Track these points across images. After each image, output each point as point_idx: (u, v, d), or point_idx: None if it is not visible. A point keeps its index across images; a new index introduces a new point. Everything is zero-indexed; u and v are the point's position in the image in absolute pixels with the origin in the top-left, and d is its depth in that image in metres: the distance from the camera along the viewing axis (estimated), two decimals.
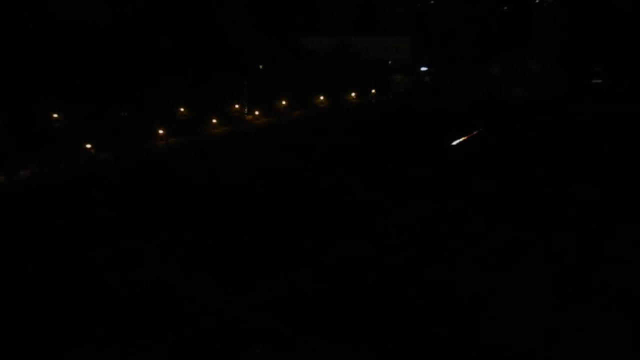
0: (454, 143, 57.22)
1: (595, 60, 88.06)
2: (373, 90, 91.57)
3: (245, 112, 71.80)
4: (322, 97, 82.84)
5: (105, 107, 53.21)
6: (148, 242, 32.77)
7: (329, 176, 45.75)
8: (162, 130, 57.70)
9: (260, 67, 75.77)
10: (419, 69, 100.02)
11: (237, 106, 71.04)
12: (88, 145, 50.36)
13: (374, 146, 57.24)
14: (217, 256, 31.00)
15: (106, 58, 54.63)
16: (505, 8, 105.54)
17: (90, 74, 52.73)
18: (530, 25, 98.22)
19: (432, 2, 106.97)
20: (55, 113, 52.67)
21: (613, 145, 53.90)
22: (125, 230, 34.63)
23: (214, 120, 65.34)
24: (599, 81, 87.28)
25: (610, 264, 29.33)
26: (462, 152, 55.07)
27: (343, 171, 47.41)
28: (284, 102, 76.82)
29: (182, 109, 63.08)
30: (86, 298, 26.43)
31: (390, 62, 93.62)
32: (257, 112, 72.55)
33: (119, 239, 33.08)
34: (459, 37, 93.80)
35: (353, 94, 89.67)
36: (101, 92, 52.51)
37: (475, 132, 61.89)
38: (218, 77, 64.07)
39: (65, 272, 29.14)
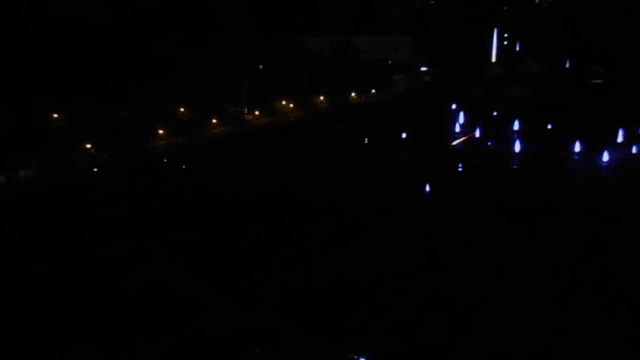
0: (454, 143, 57.29)
1: (595, 60, 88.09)
2: (373, 91, 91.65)
3: (245, 112, 71.84)
4: (322, 97, 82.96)
5: (106, 107, 53.20)
6: (148, 242, 32.77)
7: (327, 175, 45.73)
8: (162, 130, 57.78)
9: (260, 67, 75.78)
10: (419, 69, 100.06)
11: (237, 106, 71.10)
12: (88, 145, 50.44)
13: (373, 146, 57.32)
14: (218, 257, 31.00)
15: (106, 58, 54.63)
16: (505, 8, 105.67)
17: (91, 74, 52.73)
18: (530, 26, 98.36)
19: (432, 2, 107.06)
20: (56, 113, 52.73)
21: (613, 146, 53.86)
22: (125, 230, 34.63)
23: (214, 121, 65.41)
24: (599, 81, 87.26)
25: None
26: (462, 151, 55.13)
27: (343, 171, 47.41)
28: (284, 102, 76.90)
29: (182, 109, 63.13)
30: (85, 298, 26.44)
31: (390, 62, 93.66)
32: (257, 112, 72.63)
33: (119, 240, 33.10)
34: (459, 37, 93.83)
35: (353, 94, 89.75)
36: (101, 92, 52.50)
37: (475, 132, 61.97)
38: (218, 77, 64.06)
39: (64, 271, 29.15)
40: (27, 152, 45.82)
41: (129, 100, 55.89)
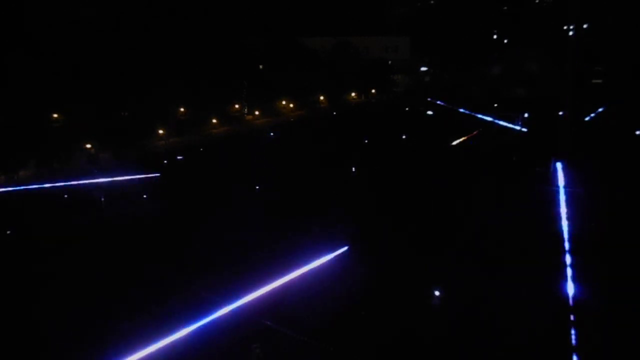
0: (454, 143, 57.30)
1: (595, 60, 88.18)
2: (373, 91, 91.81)
3: (245, 112, 71.92)
4: (322, 97, 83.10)
5: (106, 108, 53.20)
6: (147, 241, 32.82)
7: (327, 175, 45.73)
8: (162, 130, 57.79)
9: (260, 67, 75.85)
10: (419, 69, 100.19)
11: (237, 106, 71.15)
12: (88, 146, 50.45)
13: (373, 145, 57.36)
14: (217, 255, 31.02)
15: (107, 58, 54.62)
16: (505, 8, 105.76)
17: (91, 74, 52.72)
18: (530, 25, 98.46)
19: (432, 2, 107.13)
20: (56, 113, 52.71)
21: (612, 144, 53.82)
22: (125, 230, 34.68)
23: (214, 121, 65.44)
24: (599, 81, 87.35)
25: None
26: (462, 151, 55.15)
27: (342, 170, 47.45)
28: (283, 102, 76.98)
29: (182, 109, 63.16)
30: (84, 298, 26.45)
31: (390, 62, 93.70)
32: (257, 112, 72.69)
33: (118, 239, 33.13)
34: (459, 37, 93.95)
35: (353, 94, 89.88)
36: (102, 92, 52.50)
37: (475, 132, 61.98)
38: (218, 78, 64.11)
39: (62, 271, 29.16)
40: (26, 152, 45.85)
41: (130, 101, 55.90)
